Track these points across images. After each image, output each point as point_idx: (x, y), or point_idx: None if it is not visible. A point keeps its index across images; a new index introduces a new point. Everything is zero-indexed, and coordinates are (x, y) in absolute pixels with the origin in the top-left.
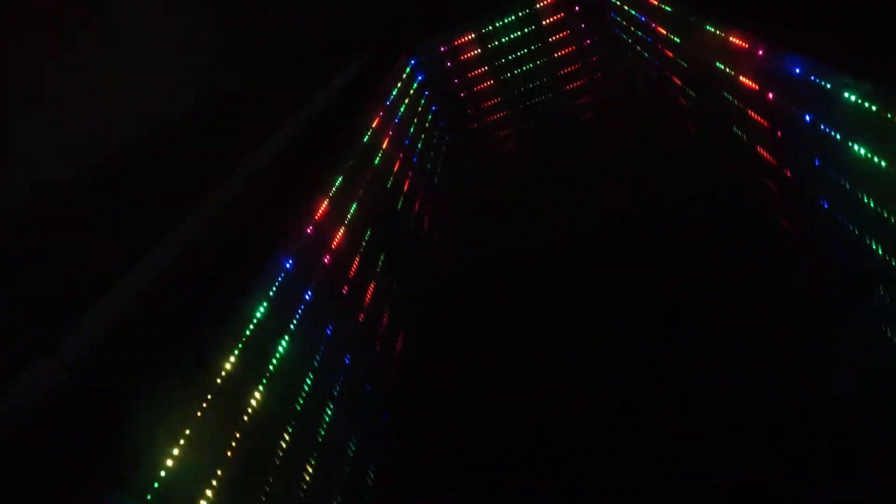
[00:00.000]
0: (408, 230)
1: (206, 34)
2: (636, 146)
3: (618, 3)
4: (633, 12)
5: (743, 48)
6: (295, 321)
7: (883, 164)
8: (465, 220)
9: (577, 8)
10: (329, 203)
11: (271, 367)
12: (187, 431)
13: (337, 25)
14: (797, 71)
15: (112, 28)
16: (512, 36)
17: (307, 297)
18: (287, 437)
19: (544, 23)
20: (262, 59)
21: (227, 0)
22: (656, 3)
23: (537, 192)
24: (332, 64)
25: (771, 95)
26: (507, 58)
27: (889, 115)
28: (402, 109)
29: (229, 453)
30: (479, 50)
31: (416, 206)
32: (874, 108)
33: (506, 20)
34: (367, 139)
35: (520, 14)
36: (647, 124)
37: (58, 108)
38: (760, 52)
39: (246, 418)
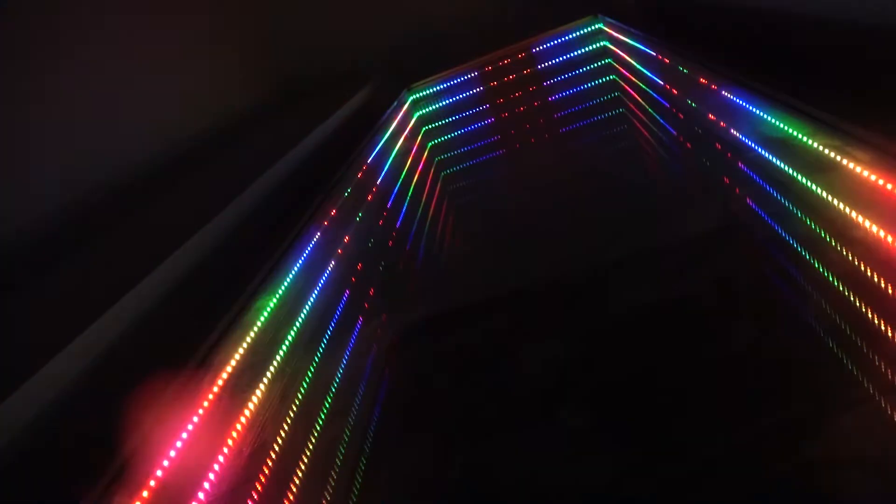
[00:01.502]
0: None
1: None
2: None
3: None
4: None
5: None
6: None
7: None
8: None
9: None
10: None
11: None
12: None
13: (338, 58)
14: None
15: (112, 55)
16: (513, 76)
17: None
18: None
19: (547, 64)
20: (256, 90)
21: (228, 25)
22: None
23: (524, 236)
24: (332, 97)
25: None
26: (507, 97)
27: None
28: (397, 146)
29: None
30: (480, 88)
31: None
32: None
33: (514, 57)
34: (360, 175)
35: (521, 56)
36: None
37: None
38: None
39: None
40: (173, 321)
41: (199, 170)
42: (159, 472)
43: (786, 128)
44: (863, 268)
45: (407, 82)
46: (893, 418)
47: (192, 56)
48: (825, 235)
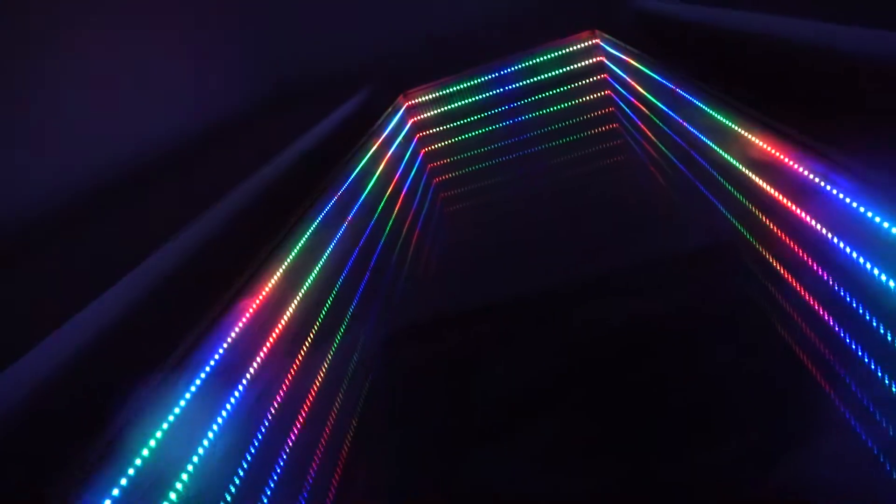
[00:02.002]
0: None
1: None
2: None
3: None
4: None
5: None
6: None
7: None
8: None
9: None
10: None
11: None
12: None
13: (336, 62)
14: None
15: (112, 51)
16: (510, 87)
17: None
18: None
19: (546, 76)
20: (255, 87)
21: (227, 26)
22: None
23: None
24: (329, 100)
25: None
26: (503, 108)
27: None
28: (390, 152)
29: None
30: (477, 96)
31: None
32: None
33: (511, 68)
34: (352, 180)
35: (523, 66)
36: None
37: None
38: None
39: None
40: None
41: (183, 170)
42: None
43: (771, 150)
44: (837, 289)
45: (403, 88)
46: (859, 443)
47: (186, 53)
48: (803, 256)
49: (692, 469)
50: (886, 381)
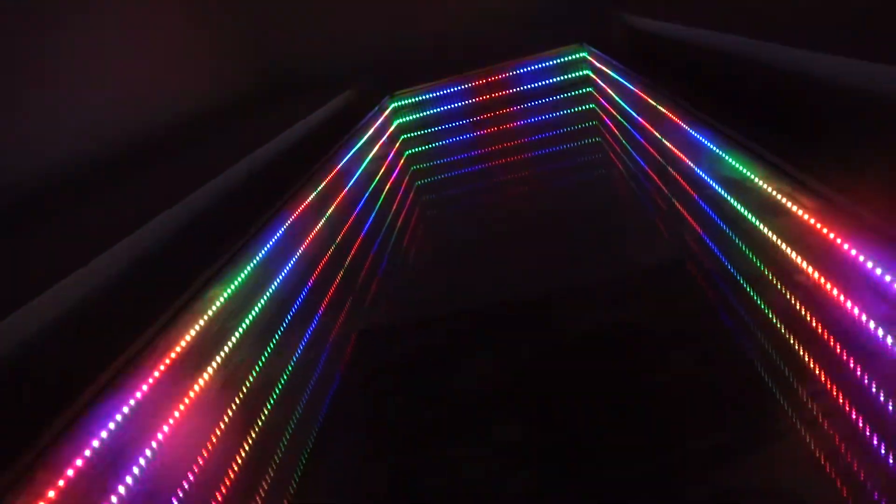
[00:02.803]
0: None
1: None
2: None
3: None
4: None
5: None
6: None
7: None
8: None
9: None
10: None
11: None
12: None
13: (324, 59)
14: None
15: (97, 39)
16: (496, 95)
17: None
18: None
19: (533, 86)
20: (240, 78)
21: (216, 19)
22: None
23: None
24: (314, 96)
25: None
26: (488, 114)
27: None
28: (373, 151)
29: None
30: (463, 102)
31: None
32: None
33: (498, 76)
34: (331, 176)
35: (511, 74)
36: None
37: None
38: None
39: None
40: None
41: (165, 159)
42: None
43: (743, 170)
44: (799, 307)
45: (390, 89)
46: (811, 451)
47: (174, 41)
48: (768, 274)
49: (639, 471)
50: (834, 393)
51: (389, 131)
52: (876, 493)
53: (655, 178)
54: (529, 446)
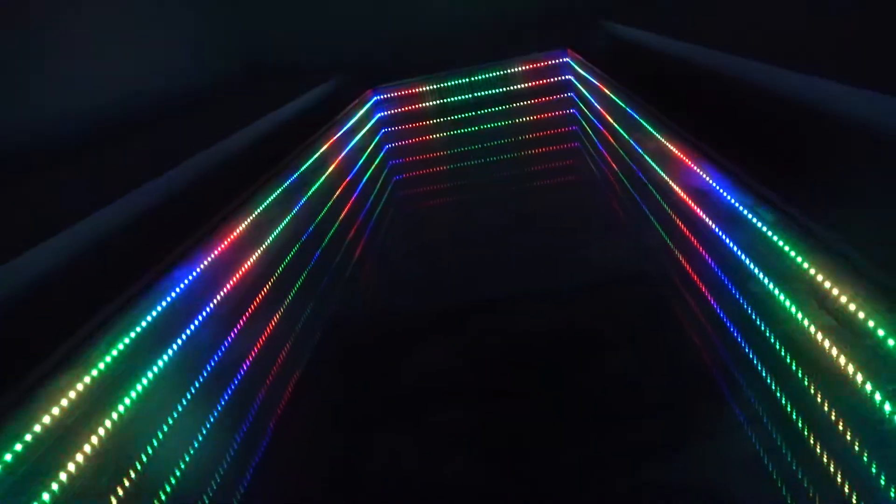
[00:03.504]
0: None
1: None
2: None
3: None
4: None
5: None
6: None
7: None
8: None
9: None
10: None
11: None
12: None
13: (310, 49)
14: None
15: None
16: (479, 94)
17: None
18: None
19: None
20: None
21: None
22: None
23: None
24: (297, 85)
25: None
26: (469, 113)
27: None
28: (353, 142)
29: None
30: (445, 99)
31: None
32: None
33: (482, 76)
34: (309, 164)
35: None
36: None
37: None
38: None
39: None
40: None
41: (143, 134)
42: None
43: (710, 181)
44: (752, 314)
45: (374, 83)
46: (741, 451)
47: (157, 18)
48: (725, 280)
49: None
50: (778, 394)
51: (370, 124)
52: (806, 491)
53: (626, 183)
54: (467, 431)
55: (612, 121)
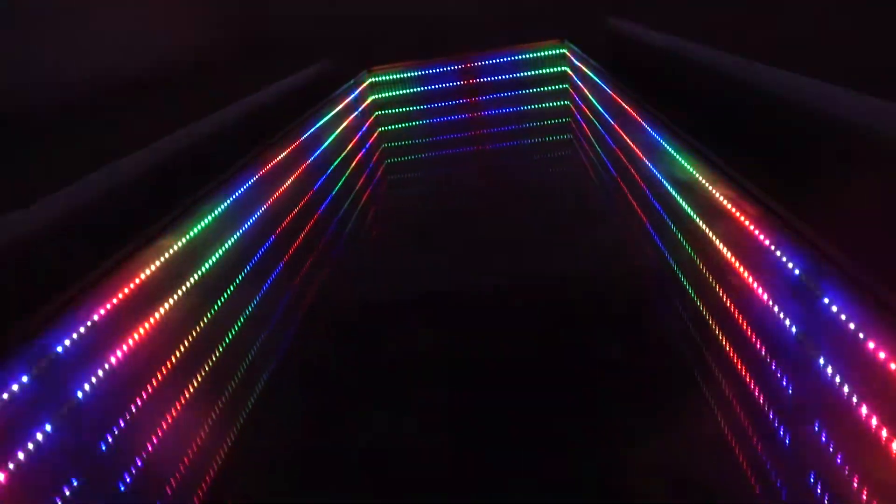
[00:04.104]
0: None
1: None
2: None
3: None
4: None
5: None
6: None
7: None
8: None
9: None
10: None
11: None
12: None
13: (308, 28)
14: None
15: None
16: (476, 80)
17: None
18: None
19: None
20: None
21: None
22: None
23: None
24: (292, 62)
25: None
26: (465, 98)
27: None
28: (345, 123)
29: None
30: (440, 84)
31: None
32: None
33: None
34: (301, 141)
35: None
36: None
37: None
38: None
39: None
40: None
41: (136, 105)
42: None
43: (694, 172)
44: (728, 305)
45: (370, 64)
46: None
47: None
48: (703, 270)
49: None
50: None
51: (364, 105)
52: (775, 477)
53: (614, 172)
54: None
55: (601, 109)
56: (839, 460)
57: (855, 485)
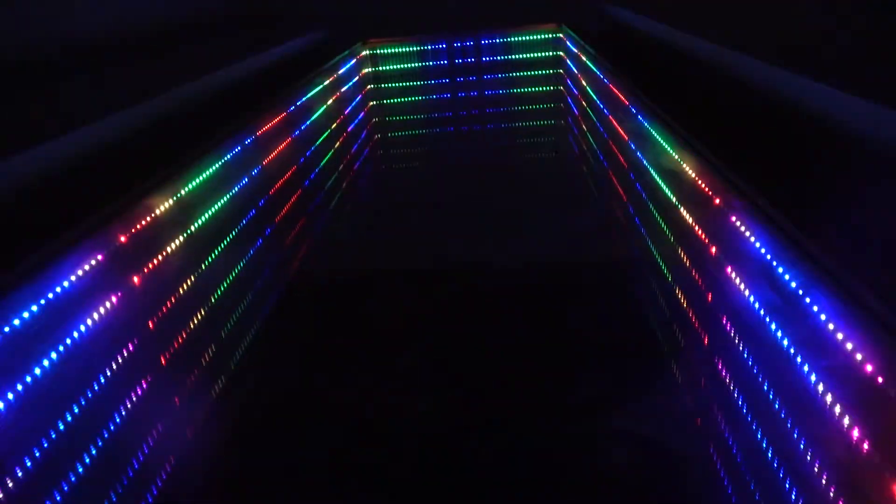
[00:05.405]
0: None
1: None
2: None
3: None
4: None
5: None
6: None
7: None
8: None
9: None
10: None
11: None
12: None
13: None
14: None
15: None
16: (471, 60)
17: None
18: None
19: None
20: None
21: None
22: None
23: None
24: (285, 31)
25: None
26: (459, 77)
27: None
28: (337, 95)
29: None
30: (437, 62)
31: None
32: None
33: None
34: (292, 110)
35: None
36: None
37: None
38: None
39: None
40: None
41: (127, 65)
42: None
43: (681, 162)
44: (699, 282)
45: (366, 37)
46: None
47: None
48: (684, 258)
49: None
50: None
51: (357, 77)
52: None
53: (602, 158)
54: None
55: (593, 95)
56: (802, 447)
57: (822, 475)
